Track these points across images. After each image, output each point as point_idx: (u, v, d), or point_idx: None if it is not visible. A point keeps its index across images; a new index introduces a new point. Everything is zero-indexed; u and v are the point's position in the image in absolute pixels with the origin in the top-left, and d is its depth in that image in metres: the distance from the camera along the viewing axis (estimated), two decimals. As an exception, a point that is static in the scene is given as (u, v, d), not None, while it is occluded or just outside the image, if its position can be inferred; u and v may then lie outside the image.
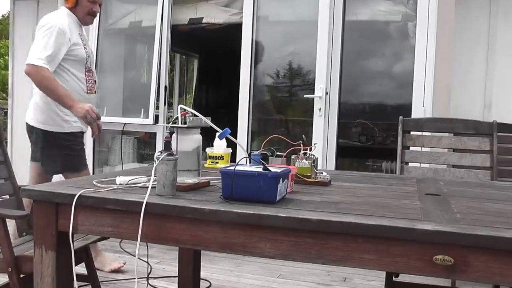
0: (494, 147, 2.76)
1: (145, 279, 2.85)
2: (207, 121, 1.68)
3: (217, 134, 1.70)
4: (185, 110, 1.64)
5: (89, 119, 2.87)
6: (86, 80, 3.04)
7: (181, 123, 1.63)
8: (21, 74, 5.22)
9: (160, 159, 1.50)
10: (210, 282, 3.10)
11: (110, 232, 1.52)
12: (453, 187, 2.01)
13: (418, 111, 3.55)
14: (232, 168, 1.48)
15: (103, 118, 4.36)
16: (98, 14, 3.23)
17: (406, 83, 3.72)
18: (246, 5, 4.01)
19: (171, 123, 1.66)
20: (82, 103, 2.87)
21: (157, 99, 4.25)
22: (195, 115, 1.67)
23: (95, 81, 3.13)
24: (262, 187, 1.45)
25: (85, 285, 2.58)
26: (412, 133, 2.92)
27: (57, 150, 2.96)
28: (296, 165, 1.87)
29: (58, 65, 2.88)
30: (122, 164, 4.47)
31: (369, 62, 5.06)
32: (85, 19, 3.05)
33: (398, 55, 5.18)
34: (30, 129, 3.03)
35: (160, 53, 4.20)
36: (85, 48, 3.03)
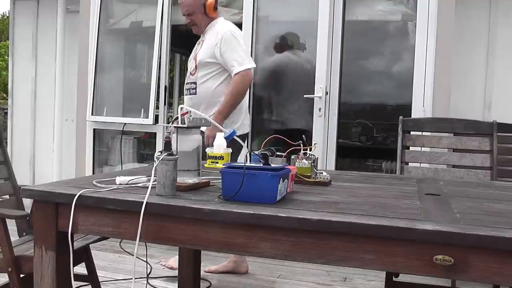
0: (494, 147, 2.76)
1: (145, 279, 2.85)
2: (212, 121, 1.69)
3: (223, 135, 1.72)
4: (185, 110, 1.65)
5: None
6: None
7: (181, 123, 1.63)
8: (20, 74, 5.26)
9: (160, 159, 1.50)
10: (210, 282, 3.10)
11: (110, 232, 1.52)
12: (453, 187, 2.01)
13: (418, 111, 3.55)
14: (232, 168, 1.48)
15: (103, 118, 4.40)
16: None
17: (406, 83, 3.72)
18: (246, 5, 4.01)
19: (171, 123, 1.66)
20: None
21: (157, 99, 4.24)
22: (196, 116, 1.67)
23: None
24: (262, 187, 1.45)
25: (85, 285, 2.58)
26: (412, 133, 2.92)
27: None
28: (296, 165, 1.87)
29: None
30: (122, 164, 4.47)
31: (369, 62, 5.06)
32: None
33: (398, 55, 5.18)
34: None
35: (160, 53, 4.20)
36: None
